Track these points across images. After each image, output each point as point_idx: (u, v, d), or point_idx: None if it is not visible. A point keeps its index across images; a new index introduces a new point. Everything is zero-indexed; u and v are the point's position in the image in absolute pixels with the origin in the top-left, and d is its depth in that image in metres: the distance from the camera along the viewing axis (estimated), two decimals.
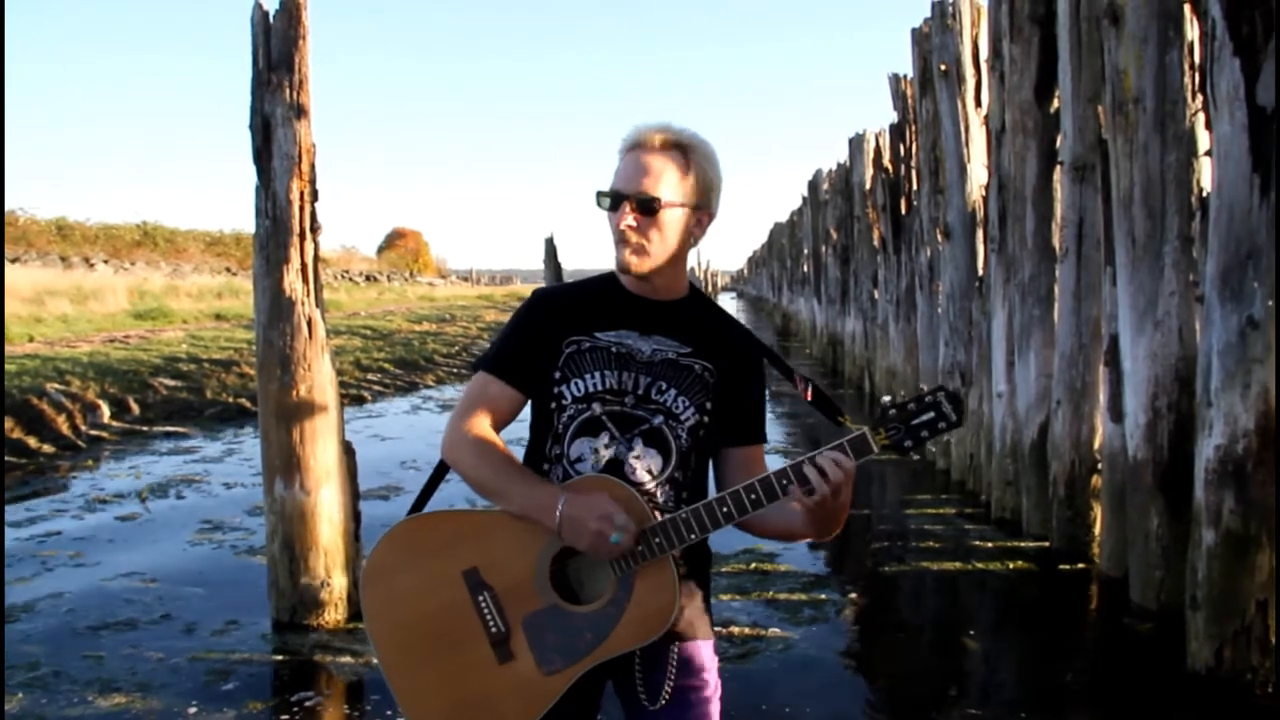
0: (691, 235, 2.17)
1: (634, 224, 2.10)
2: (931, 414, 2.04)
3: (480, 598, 2.05)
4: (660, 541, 2.03)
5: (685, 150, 2.13)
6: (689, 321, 2.21)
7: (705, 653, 2.20)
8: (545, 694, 2.03)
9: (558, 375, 2.15)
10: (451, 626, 2.06)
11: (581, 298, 2.24)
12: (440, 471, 2.29)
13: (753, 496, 2.01)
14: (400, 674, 2.08)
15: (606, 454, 2.12)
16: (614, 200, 2.12)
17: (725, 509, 2.02)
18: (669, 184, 2.11)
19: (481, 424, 2.17)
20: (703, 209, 2.17)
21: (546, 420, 2.18)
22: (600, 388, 2.14)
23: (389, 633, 2.10)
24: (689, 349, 2.18)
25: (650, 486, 2.12)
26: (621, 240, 2.11)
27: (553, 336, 2.17)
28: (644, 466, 2.12)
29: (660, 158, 2.11)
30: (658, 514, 2.07)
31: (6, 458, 9.54)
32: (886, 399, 2.08)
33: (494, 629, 2.04)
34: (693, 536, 2.03)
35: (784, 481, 2.00)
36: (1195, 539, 4.54)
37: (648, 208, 2.09)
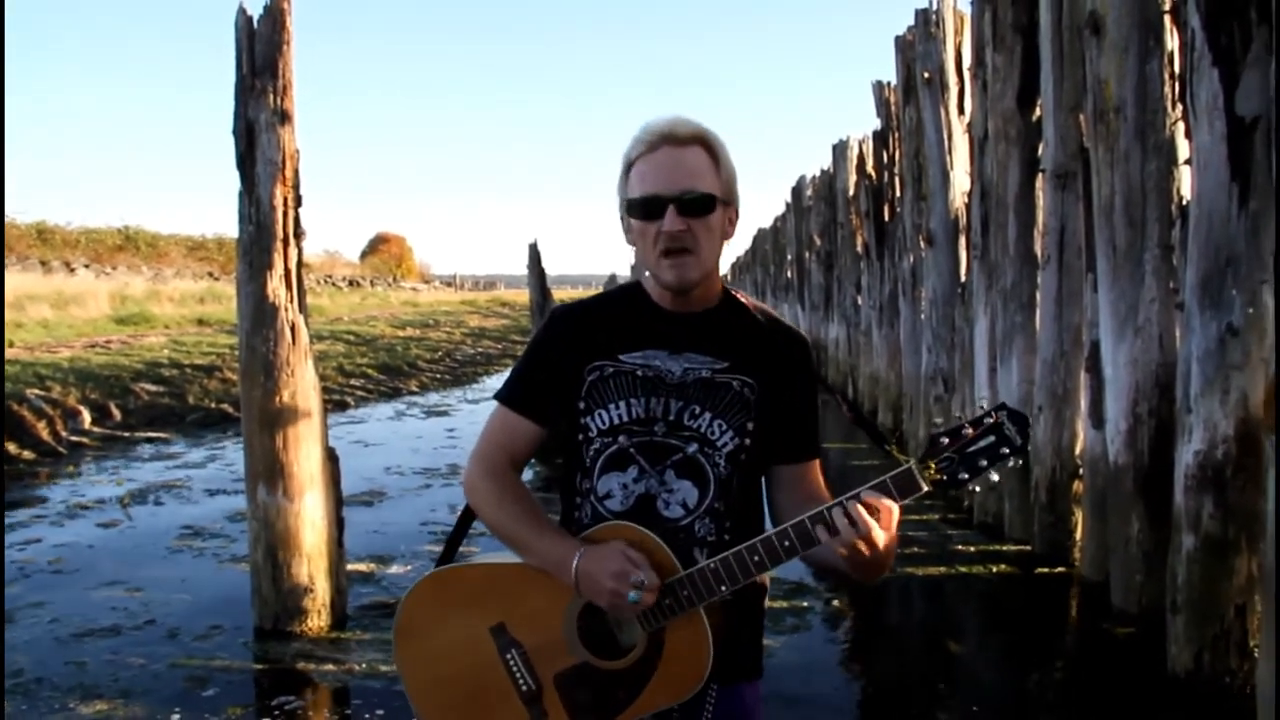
0: (726, 235, 1.97)
1: (683, 227, 1.88)
2: (991, 439, 1.78)
3: (508, 655, 1.95)
4: (689, 594, 1.85)
5: (710, 143, 1.92)
6: (724, 332, 2.00)
7: (747, 696, 2.04)
8: None
9: (581, 406, 1.98)
10: (483, 685, 1.97)
11: (603, 316, 2.05)
12: (467, 517, 2.15)
13: (786, 544, 1.82)
14: None
15: (636, 489, 1.95)
16: (654, 206, 1.89)
17: (756, 558, 1.83)
18: (709, 180, 1.90)
19: (499, 464, 2.04)
20: (733, 205, 1.97)
21: (574, 452, 2.02)
22: (626, 418, 1.96)
23: (423, 691, 2.03)
24: (724, 364, 1.97)
25: (686, 522, 1.94)
26: (667, 250, 1.89)
27: (573, 362, 2.00)
28: (678, 500, 1.94)
29: (692, 152, 1.90)
30: (696, 550, 1.92)
31: None
32: (939, 422, 1.85)
33: (524, 687, 1.94)
34: (723, 589, 1.84)
35: (818, 527, 1.79)
36: (1175, 544, 4.57)
37: (696, 207, 1.88)
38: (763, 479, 2.07)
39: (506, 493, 2.03)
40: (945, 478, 1.80)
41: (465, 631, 1.99)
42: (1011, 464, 1.80)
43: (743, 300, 2.07)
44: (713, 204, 1.90)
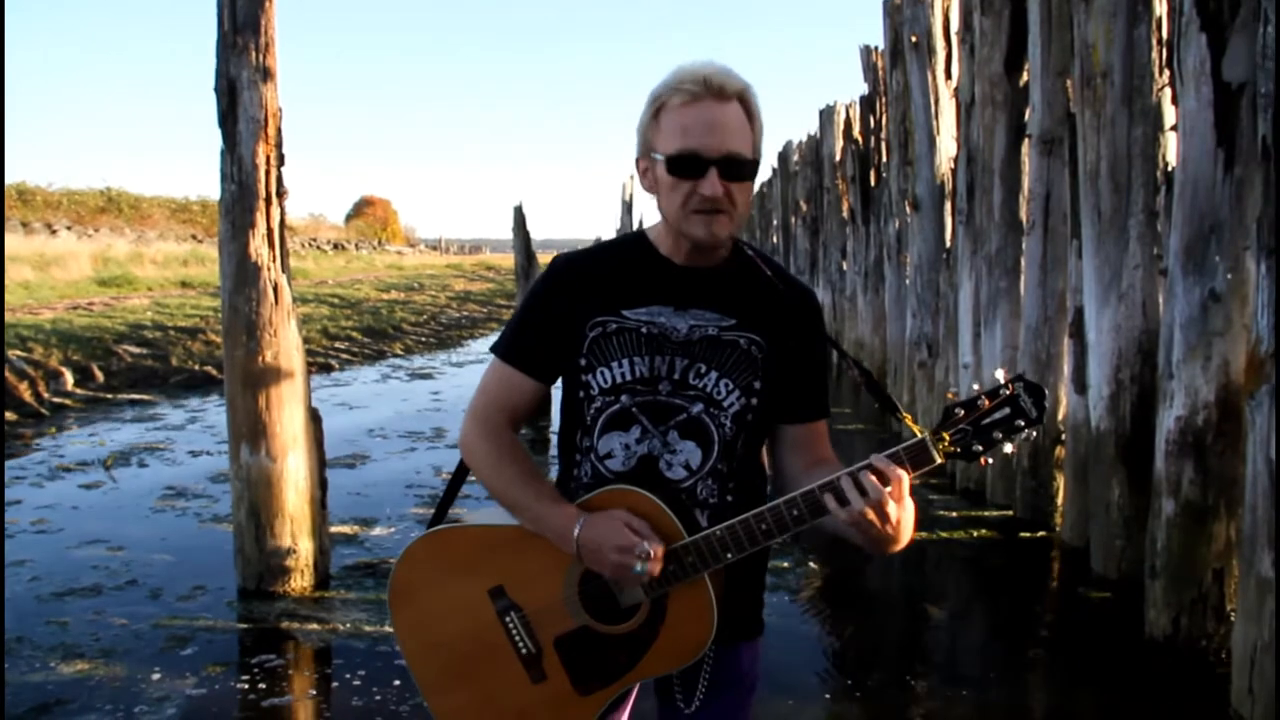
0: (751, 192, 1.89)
1: (723, 192, 1.79)
2: (1006, 410, 1.75)
3: (508, 618, 1.93)
4: (693, 561, 1.82)
5: (749, 100, 1.82)
6: (732, 287, 1.93)
7: (746, 655, 2.04)
8: (582, 712, 1.93)
9: (583, 363, 1.91)
10: (482, 647, 1.95)
11: (607, 268, 1.96)
12: (459, 477, 2.10)
13: (795, 513, 1.78)
14: (436, 694, 2.01)
15: (638, 450, 1.90)
16: (695, 165, 1.79)
17: (764, 526, 1.79)
18: (747, 140, 1.81)
19: (497, 423, 1.98)
20: (759, 160, 1.88)
21: (575, 409, 1.96)
22: (630, 377, 1.89)
23: (421, 654, 2.02)
24: (732, 321, 1.91)
25: (689, 483, 1.90)
26: (701, 210, 1.81)
27: (575, 317, 1.92)
28: (680, 462, 1.89)
29: (734, 109, 1.80)
30: (697, 512, 1.89)
31: None
32: (953, 393, 1.82)
33: (524, 650, 1.93)
34: (729, 556, 1.81)
35: (827, 495, 1.74)
36: (1155, 509, 4.61)
37: (738, 172, 1.80)
38: (768, 439, 2.02)
39: (504, 454, 1.97)
40: (959, 449, 1.76)
41: (463, 594, 1.96)
42: (1026, 435, 1.77)
43: (752, 254, 1.99)
44: (755, 169, 1.83)
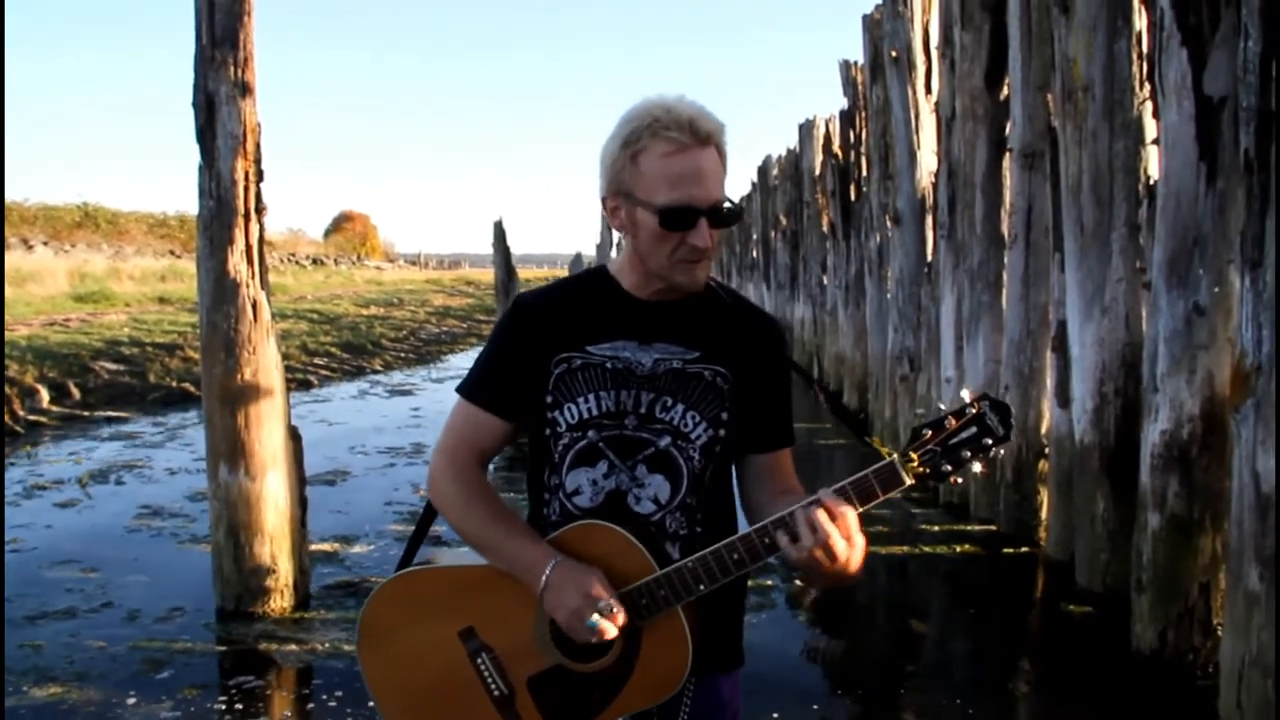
0: None
1: (712, 243, 1.80)
2: (974, 429, 1.75)
3: (479, 660, 1.89)
4: (665, 594, 1.79)
5: (721, 138, 1.82)
6: (695, 319, 1.92)
7: (725, 687, 2.01)
8: None
9: (549, 400, 1.90)
10: (453, 690, 1.90)
11: (569, 305, 1.95)
12: (428, 517, 2.08)
13: (766, 540, 1.76)
14: None
15: (606, 485, 1.88)
16: (687, 217, 1.77)
17: (735, 556, 1.77)
18: (723, 183, 1.81)
19: (465, 463, 1.96)
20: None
21: (542, 447, 1.95)
22: (596, 412, 1.88)
23: (392, 697, 1.97)
24: (696, 353, 1.90)
25: (658, 517, 1.88)
26: (691, 259, 1.81)
27: (539, 355, 1.91)
28: (649, 495, 1.88)
29: (712, 153, 1.79)
30: (668, 545, 1.87)
31: None
32: (920, 413, 1.81)
33: (496, 692, 1.88)
34: (702, 588, 1.78)
35: (793, 527, 1.73)
36: (1140, 523, 4.60)
37: (724, 218, 1.80)
38: (734, 470, 2.01)
39: (473, 495, 1.94)
40: (928, 470, 1.76)
41: (433, 635, 1.92)
42: (994, 454, 1.76)
43: (714, 285, 1.98)
44: (740, 216, 1.82)
